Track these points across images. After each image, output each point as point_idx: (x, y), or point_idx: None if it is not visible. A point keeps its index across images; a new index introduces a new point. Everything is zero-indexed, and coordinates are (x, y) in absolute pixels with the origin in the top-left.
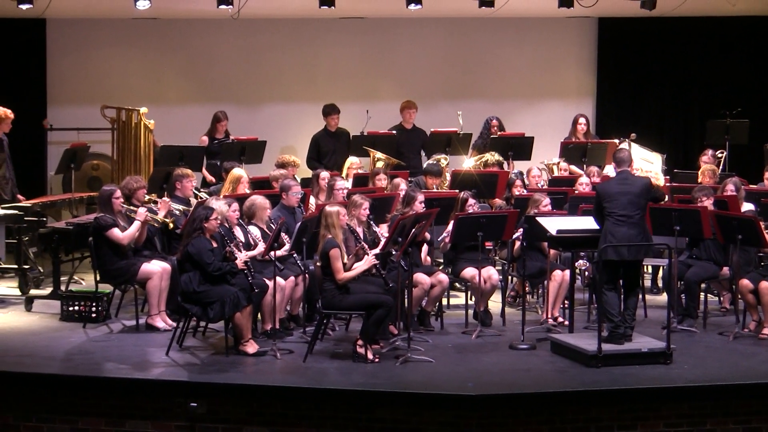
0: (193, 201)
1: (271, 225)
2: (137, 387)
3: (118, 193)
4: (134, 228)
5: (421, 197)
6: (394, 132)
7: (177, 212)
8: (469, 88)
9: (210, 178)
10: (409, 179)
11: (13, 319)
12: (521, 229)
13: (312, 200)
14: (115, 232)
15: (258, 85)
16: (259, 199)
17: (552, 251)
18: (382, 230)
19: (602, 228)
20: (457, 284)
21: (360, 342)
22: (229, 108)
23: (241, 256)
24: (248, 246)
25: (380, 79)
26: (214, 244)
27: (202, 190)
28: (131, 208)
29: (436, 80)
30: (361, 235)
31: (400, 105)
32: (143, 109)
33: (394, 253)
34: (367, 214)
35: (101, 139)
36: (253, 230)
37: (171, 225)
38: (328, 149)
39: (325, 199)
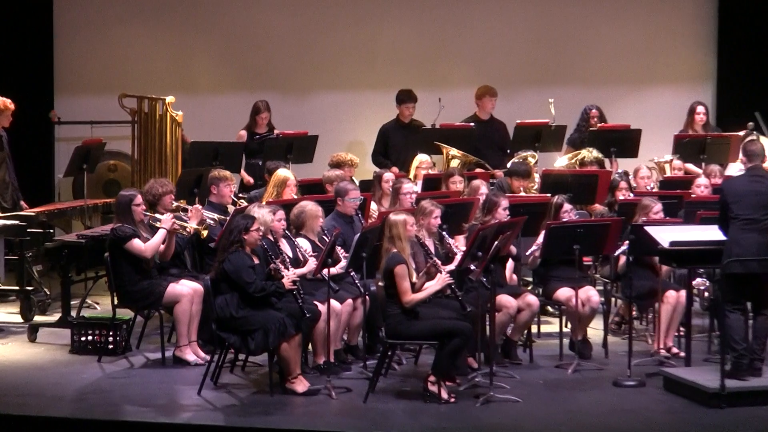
0: (231, 209)
1: (325, 237)
2: None
3: (140, 199)
4: (159, 237)
5: (504, 203)
6: (472, 125)
7: (211, 222)
8: (563, 71)
9: (249, 180)
10: (491, 181)
11: (14, 351)
12: (627, 242)
13: (373, 207)
14: (136, 244)
15: (308, 69)
16: (310, 206)
17: (664, 268)
18: (458, 243)
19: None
20: (549, 308)
21: (432, 378)
22: (273, 97)
23: (289, 275)
24: (296, 262)
25: (453, 61)
26: (256, 261)
27: (241, 195)
28: (156, 216)
29: (521, 62)
30: (433, 249)
31: (475, 92)
32: (170, 99)
33: (472, 270)
34: (440, 224)
35: (119, 134)
36: (303, 243)
37: (204, 234)
38: (398, 144)
39: (389, 205)
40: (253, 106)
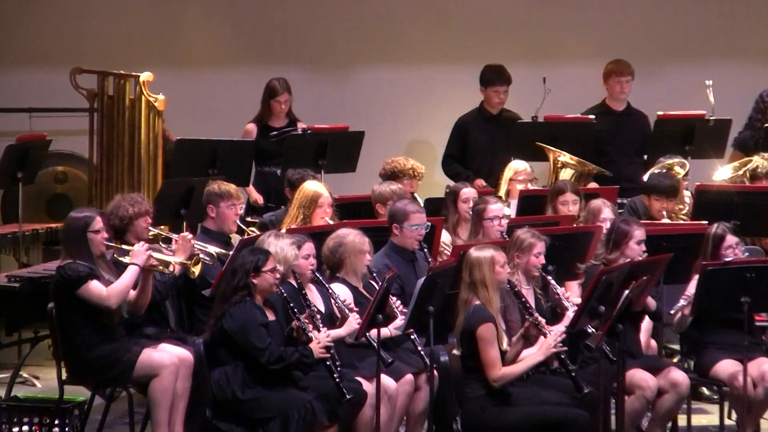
0: (235, 239)
1: (373, 282)
2: None
3: (101, 223)
4: (128, 279)
5: (639, 234)
6: (592, 117)
7: (206, 258)
8: (724, 41)
9: (257, 198)
10: (619, 201)
11: None
12: None
13: (446, 238)
14: (95, 288)
15: (348, 34)
16: (352, 237)
17: None
18: (570, 292)
19: None
20: (704, 389)
21: None
22: (297, 74)
23: (320, 338)
24: (331, 319)
25: (564, 26)
26: (271, 316)
27: (250, 219)
28: (124, 248)
29: (664, 27)
30: (533, 301)
31: (602, 70)
32: (146, 75)
33: (591, 333)
34: (543, 264)
35: (71, 128)
36: (341, 291)
37: (194, 275)
38: (482, 145)
39: (470, 236)
40: (266, 87)
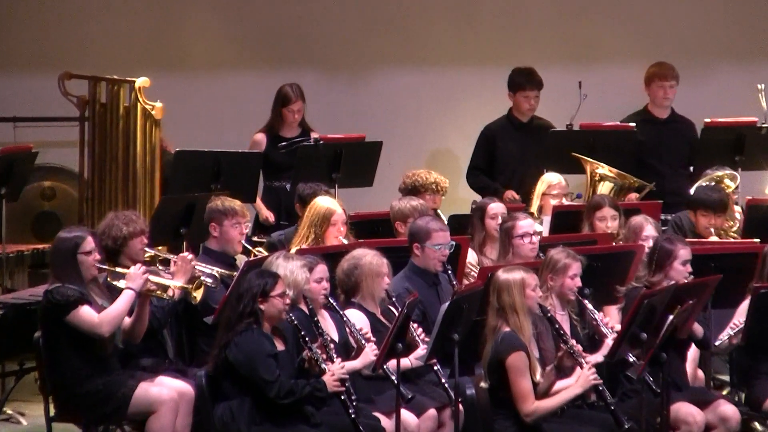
0: (241, 260)
1: (392, 308)
2: None
3: (92, 243)
4: (123, 304)
5: (684, 253)
6: (633, 125)
7: (209, 281)
8: None
9: (267, 215)
10: (663, 217)
11: None
12: None
13: (471, 257)
14: (86, 314)
15: (364, 37)
16: (368, 258)
17: None
18: (609, 318)
19: None
20: (756, 424)
21: None
22: (308, 78)
23: (334, 369)
24: (346, 349)
25: (598, 26)
26: (281, 346)
27: (257, 238)
28: (119, 271)
29: (707, 28)
30: (568, 328)
31: (644, 74)
32: (142, 81)
33: (632, 362)
34: (579, 287)
35: (60, 138)
36: (357, 318)
37: (196, 300)
38: (511, 155)
39: (499, 256)
40: (277, 94)
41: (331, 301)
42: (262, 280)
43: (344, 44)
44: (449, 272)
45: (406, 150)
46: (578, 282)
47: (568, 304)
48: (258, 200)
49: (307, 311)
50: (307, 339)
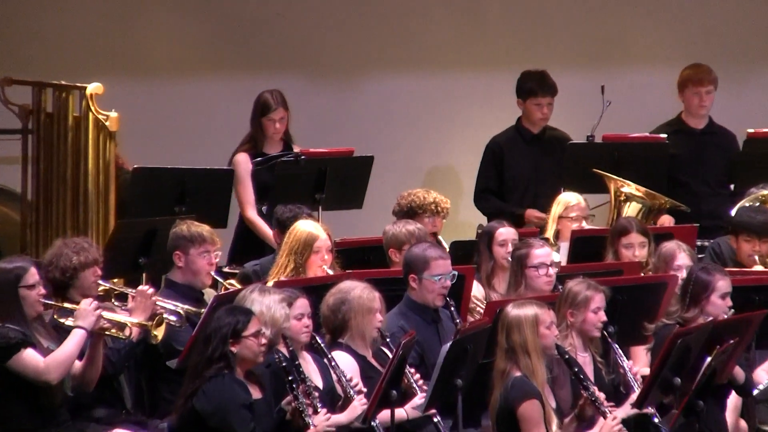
0: (210, 294)
1: (385, 350)
2: None
3: (36, 275)
4: (71, 345)
5: (724, 284)
6: (665, 136)
7: (172, 319)
8: None
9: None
10: (699, 243)
11: None
12: None
13: (477, 290)
14: (30, 358)
15: (354, 38)
16: (357, 291)
17: None
18: (638, 361)
19: None
20: None
21: None
22: (288, 83)
23: (318, 421)
24: (332, 397)
25: (623, 23)
26: (256, 394)
27: (228, 269)
28: (67, 307)
29: (748, 27)
30: (590, 371)
31: (677, 78)
32: (94, 87)
33: (665, 410)
34: (603, 321)
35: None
36: (344, 361)
37: (157, 340)
38: (522, 172)
39: (509, 289)
40: (256, 102)
41: (319, 340)
42: (234, 318)
43: (331, 45)
44: (452, 308)
45: (401, 166)
46: (602, 316)
47: (590, 343)
48: (265, 227)
49: (287, 353)
50: (289, 385)
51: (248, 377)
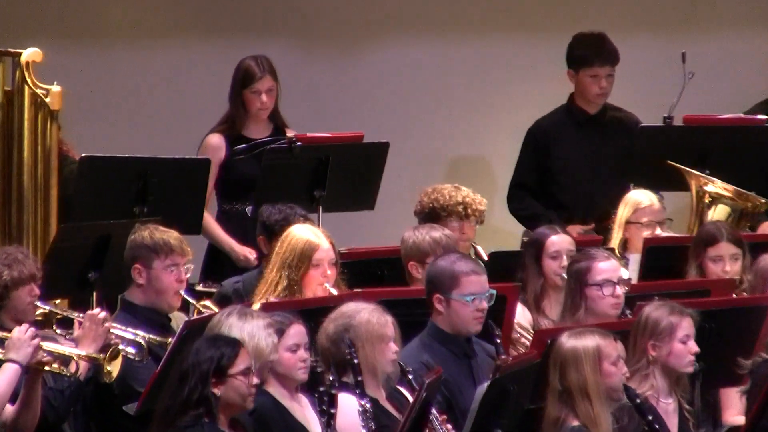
0: (179, 319)
1: (402, 389)
2: None
3: None
4: (2, 383)
5: None
6: (764, 118)
7: (129, 350)
8: None
9: (246, 255)
10: None
11: None
12: None
13: (521, 315)
14: None
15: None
16: (365, 315)
17: None
18: (725, 407)
19: None
20: None
21: None
22: (279, 52)
23: None
24: None
25: None
26: None
27: (202, 286)
28: None
29: None
30: (674, 421)
31: None
32: (30, 53)
33: None
34: (696, 352)
35: None
36: (346, 403)
37: (112, 377)
38: (574, 162)
39: (561, 313)
40: (236, 71)
41: (332, 379)
42: (217, 350)
43: (329, 7)
44: (497, 339)
45: (422, 155)
46: (693, 346)
47: (677, 385)
48: (221, 233)
49: (280, 392)
50: None
51: (233, 426)
